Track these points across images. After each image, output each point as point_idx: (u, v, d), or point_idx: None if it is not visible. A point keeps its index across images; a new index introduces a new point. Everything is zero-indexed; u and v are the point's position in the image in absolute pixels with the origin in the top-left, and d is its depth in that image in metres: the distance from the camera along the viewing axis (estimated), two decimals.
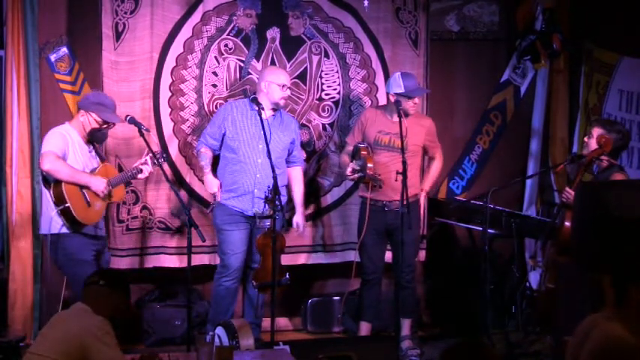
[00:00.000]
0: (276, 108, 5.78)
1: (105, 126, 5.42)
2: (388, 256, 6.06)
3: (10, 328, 5.80)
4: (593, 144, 5.25)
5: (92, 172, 5.35)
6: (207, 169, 5.82)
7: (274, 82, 5.72)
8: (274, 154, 5.53)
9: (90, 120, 5.35)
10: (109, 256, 5.67)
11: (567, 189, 5.27)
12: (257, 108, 5.53)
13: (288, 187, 5.95)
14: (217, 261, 5.92)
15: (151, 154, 5.47)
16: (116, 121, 5.47)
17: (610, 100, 6.24)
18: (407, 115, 5.80)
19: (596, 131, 5.26)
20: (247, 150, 5.71)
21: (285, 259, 5.99)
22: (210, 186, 5.80)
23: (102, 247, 5.53)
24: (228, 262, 5.73)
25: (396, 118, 5.70)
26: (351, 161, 5.85)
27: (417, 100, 5.84)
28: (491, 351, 3.00)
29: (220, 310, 5.75)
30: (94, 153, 5.46)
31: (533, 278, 6.27)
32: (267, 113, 5.71)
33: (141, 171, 5.49)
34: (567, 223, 5.19)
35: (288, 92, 5.85)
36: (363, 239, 5.90)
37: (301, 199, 5.98)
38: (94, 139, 5.46)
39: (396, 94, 5.77)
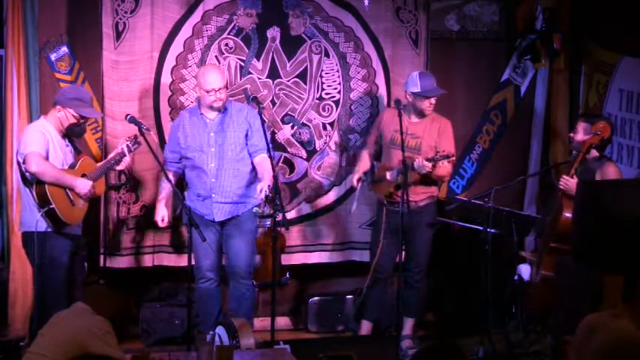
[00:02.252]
0: (215, 110, 5.58)
1: (82, 121, 5.35)
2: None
3: (10, 328, 5.79)
4: (578, 138, 5.37)
5: (71, 167, 5.29)
6: (160, 196, 5.73)
7: (202, 89, 5.54)
8: (230, 154, 5.53)
9: (67, 115, 5.26)
10: (81, 261, 5.48)
11: (564, 177, 5.32)
12: (258, 106, 5.49)
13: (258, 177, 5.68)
14: None
15: (127, 143, 5.44)
16: (95, 117, 5.43)
17: (610, 99, 6.24)
18: (423, 115, 5.86)
19: (581, 126, 5.38)
20: (199, 156, 5.58)
21: (285, 259, 6.00)
22: (156, 213, 5.69)
23: (77, 248, 5.40)
24: (198, 266, 5.65)
25: (414, 119, 5.87)
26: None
27: (433, 100, 5.84)
28: (460, 353, 3.02)
29: (205, 311, 5.72)
30: (70, 147, 5.40)
31: (525, 271, 6.20)
32: (210, 115, 5.59)
33: (118, 162, 5.43)
34: (565, 212, 5.22)
35: (221, 94, 5.50)
36: (375, 238, 5.93)
37: (268, 177, 5.37)
38: (72, 134, 5.38)
39: (413, 93, 5.82)
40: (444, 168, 5.82)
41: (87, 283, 4.82)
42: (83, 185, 5.24)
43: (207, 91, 5.50)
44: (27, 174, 5.16)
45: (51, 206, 5.10)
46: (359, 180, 5.96)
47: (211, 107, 5.56)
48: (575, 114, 6.66)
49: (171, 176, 5.60)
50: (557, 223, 5.27)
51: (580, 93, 6.63)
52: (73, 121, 5.29)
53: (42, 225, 5.14)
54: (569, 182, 5.28)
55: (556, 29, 6.42)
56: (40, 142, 5.16)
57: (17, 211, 5.74)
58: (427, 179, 5.82)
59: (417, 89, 5.78)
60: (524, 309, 5.89)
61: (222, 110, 5.59)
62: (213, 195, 5.57)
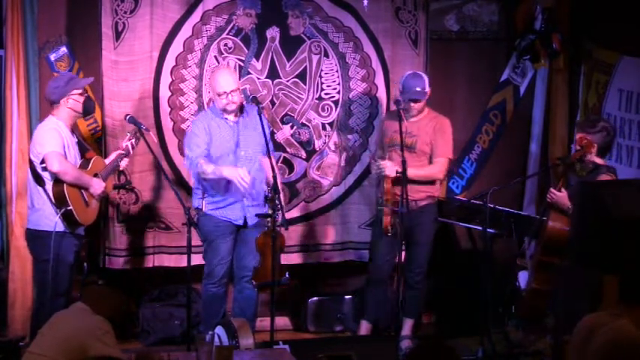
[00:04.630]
0: (229, 112, 5.56)
1: (86, 94, 5.36)
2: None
3: (10, 328, 5.80)
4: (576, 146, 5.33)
5: (83, 166, 5.29)
6: (217, 167, 5.42)
7: (214, 92, 5.55)
8: (257, 156, 5.51)
9: (75, 98, 5.27)
10: (81, 260, 5.49)
11: (552, 189, 5.29)
12: (257, 106, 5.49)
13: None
14: None
15: (133, 140, 5.47)
16: (89, 81, 5.47)
17: (610, 99, 6.24)
18: (410, 114, 5.82)
19: (578, 135, 5.29)
20: (230, 160, 5.52)
21: (285, 259, 5.99)
22: (235, 173, 5.34)
23: (79, 248, 5.39)
24: (214, 271, 5.64)
25: (412, 119, 5.84)
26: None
27: (412, 103, 5.82)
28: (452, 352, 3.03)
29: (210, 313, 5.70)
30: (77, 145, 5.41)
31: (522, 278, 6.22)
32: (232, 118, 5.58)
33: (122, 158, 5.46)
34: (551, 223, 5.22)
35: (234, 97, 5.48)
36: (373, 238, 5.94)
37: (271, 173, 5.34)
38: (88, 110, 5.42)
39: (400, 91, 5.86)
40: (433, 167, 5.84)
41: (87, 283, 4.79)
42: (98, 185, 5.27)
43: (219, 94, 5.48)
44: (44, 173, 5.14)
45: (69, 208, 5.10)
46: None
47: (225, 110, 5.53)
48: (575, 114, 6.67)
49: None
50: (544, 233, 5.27)
51: (579, 93, 6.63)
52: (82, 99, 5.30)
53: (59, 225, 5.14)
54: (555, 196, 5.24)
55: (555, 29, 6.42)
56: (57, 141, 5.17)
57: (17, 211, 5.75)
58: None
59: (401, 87, 5.83)
60: (516, 312, 5.90)
61: (240, 112, 5.57)
62: (246, 200, 5.53)
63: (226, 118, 5.56)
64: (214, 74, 5.65)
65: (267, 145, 5.39)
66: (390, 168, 5.68)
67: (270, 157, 5.40)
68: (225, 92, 5.47)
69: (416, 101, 5.79)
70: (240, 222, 5.59)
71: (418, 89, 5.77)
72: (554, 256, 5.21)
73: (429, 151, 5.86)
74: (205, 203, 5.54)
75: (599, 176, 5.18)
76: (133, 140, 5.49)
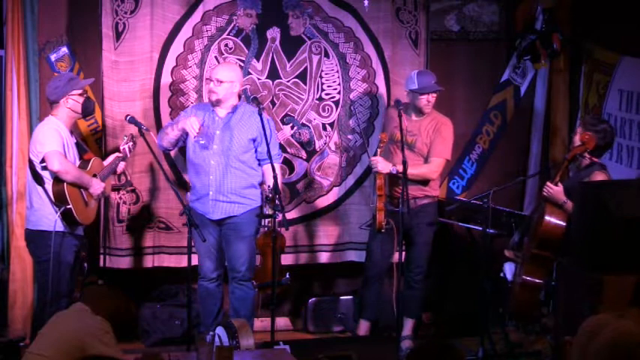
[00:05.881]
0: (215, 105, 5.60)
1: (85, 94, 5.37)
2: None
3: (10, 328, 5.79)
4: (577, 141, 5.34)
5: (82, 167, 5.30)
6: (175, 126, 5.54)
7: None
8: (232, 154, 5.51)
9: (75, 99, 5.28)
10: (81, 261, 5.49)
11: (548, 183, 5.31)
12: (258, 107, 5.50)
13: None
14: None
15: (130, 143, 5.50)
16: (90, 82, 5.47)
17: (610, 99, 6.24)
18: (422, 113, 5.88)
19: (579, 130, 5.35)
20: (201, 151, 5.55)
21: (285, 259, 5.99)
22: (187, 122, 5.44)
23: (80, 248, 5.40)
24: (202, 266, 5.67)
25: (414, 117, 5.90)
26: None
27: (430, 97, 5.85)
28: (458, 352, 3.02)
29: (206, 310, 5.72)
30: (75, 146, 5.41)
31: (509, 270, 6.20)
32: (220, 113, 5.60)
33: (119, 161, 5.47)
34: (547, 217, 5.22)
35: (216, 87, 5.51)
36: (370, 235, 5.98)
37: (272, 182, 5.33)
38: (87, 111, 5.42)
39: (411, 90, 5.87)
40: (427, 166, 5.84)
41: (87, 283, 4.79)
42: (98, 185, 5.29)
43: (207, 78, 5.60)
44: (44, 173, 5.15)
45: (68, 206, 5.12)
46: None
47: (209, 98, 5.60)
48: (575, 114, 6.67)
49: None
50: (538, 227, 5.28)
51: (580, 93, 6.63)
52: (82, 100, 5.31)
53: (58, 225, 5.14)
54: (552, 190, 5.26)
55: (556, 29, 6.42)
56: (58, 140, 5.18)
57: (17, 212, 5.75)
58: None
59: (415, 86, 5.83)
60: (505, 308, 5.89)
61: (233, 111, 5.58)
62: (211, 192, 5.55)
63: (214, 110, 5.60)
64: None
65: (267, 145, 5.38)
66: (382, 164, 5.71)
67: (271, 161, 5.40)
68: (210, 78, 5.59)
69: (437, 92, 5.88)
70: (209, 215, 5.58)
71: (434, 82, 5.88)
72: (549, 250, 5.22)
73: (427, 151, 5.88)
74: (189, 195, 5.66)
75: (593, 173, 5.22)
76: (130, 144, 5.52)
